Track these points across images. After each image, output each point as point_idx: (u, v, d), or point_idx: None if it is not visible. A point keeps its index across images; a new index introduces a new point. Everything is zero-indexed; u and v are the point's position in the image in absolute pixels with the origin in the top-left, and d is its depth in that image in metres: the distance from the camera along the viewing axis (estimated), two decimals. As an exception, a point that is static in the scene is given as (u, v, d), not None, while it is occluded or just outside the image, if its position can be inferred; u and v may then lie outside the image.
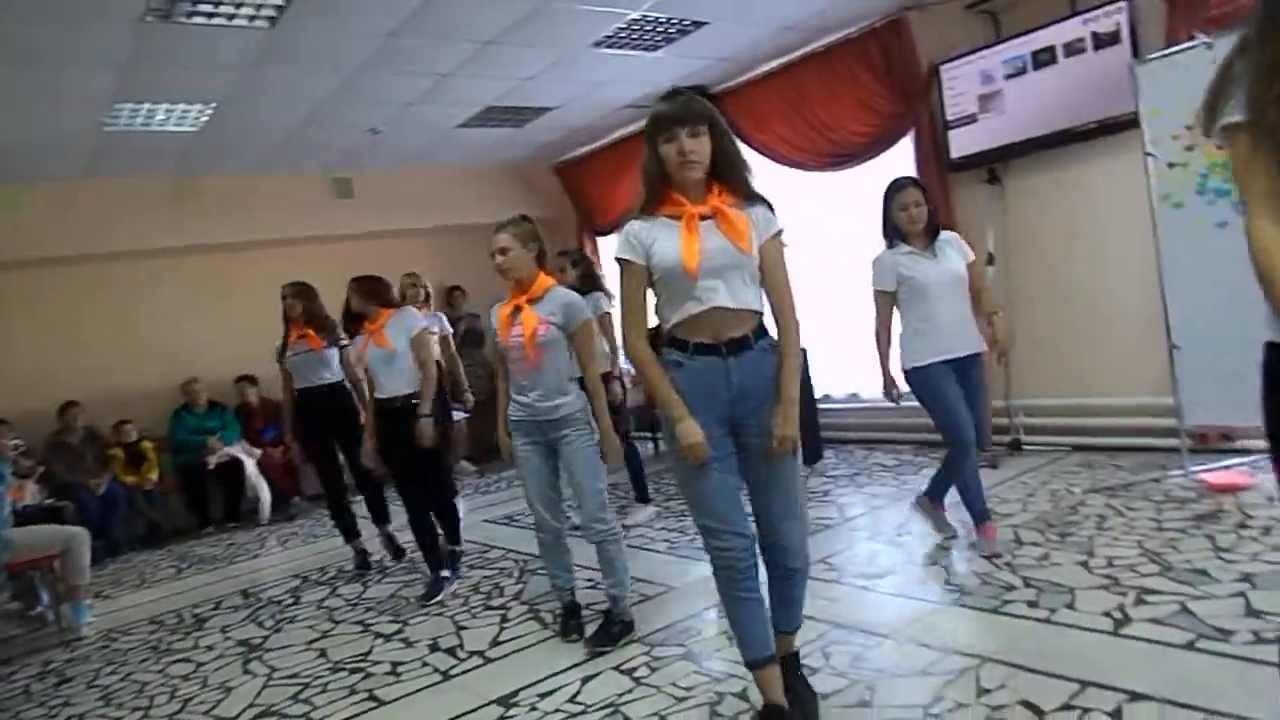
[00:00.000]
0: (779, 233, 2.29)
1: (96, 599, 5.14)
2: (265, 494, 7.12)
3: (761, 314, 2.30)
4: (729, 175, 2.29)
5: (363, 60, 5.21)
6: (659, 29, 5.44)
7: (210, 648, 4.05)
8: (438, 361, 5.53)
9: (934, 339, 3.59)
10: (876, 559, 3.83)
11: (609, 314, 5.14)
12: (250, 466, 7.16)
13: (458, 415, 5.97)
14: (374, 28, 4.76)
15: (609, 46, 5.61)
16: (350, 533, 4.98)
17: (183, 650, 4.08)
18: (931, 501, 3.92)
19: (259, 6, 4.27)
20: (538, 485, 3.35)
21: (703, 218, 2.25)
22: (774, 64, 6.50)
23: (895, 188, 3.64)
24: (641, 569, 4.15)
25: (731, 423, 2.30)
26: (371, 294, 4.28)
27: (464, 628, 3.74)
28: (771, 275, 2.29)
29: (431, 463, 4.27)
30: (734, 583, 2.32)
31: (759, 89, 6.64)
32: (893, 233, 3.65)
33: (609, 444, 3.28)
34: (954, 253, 3.63)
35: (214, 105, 5.66)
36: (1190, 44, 4.17)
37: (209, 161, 6.96)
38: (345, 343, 4.70)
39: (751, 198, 2.30)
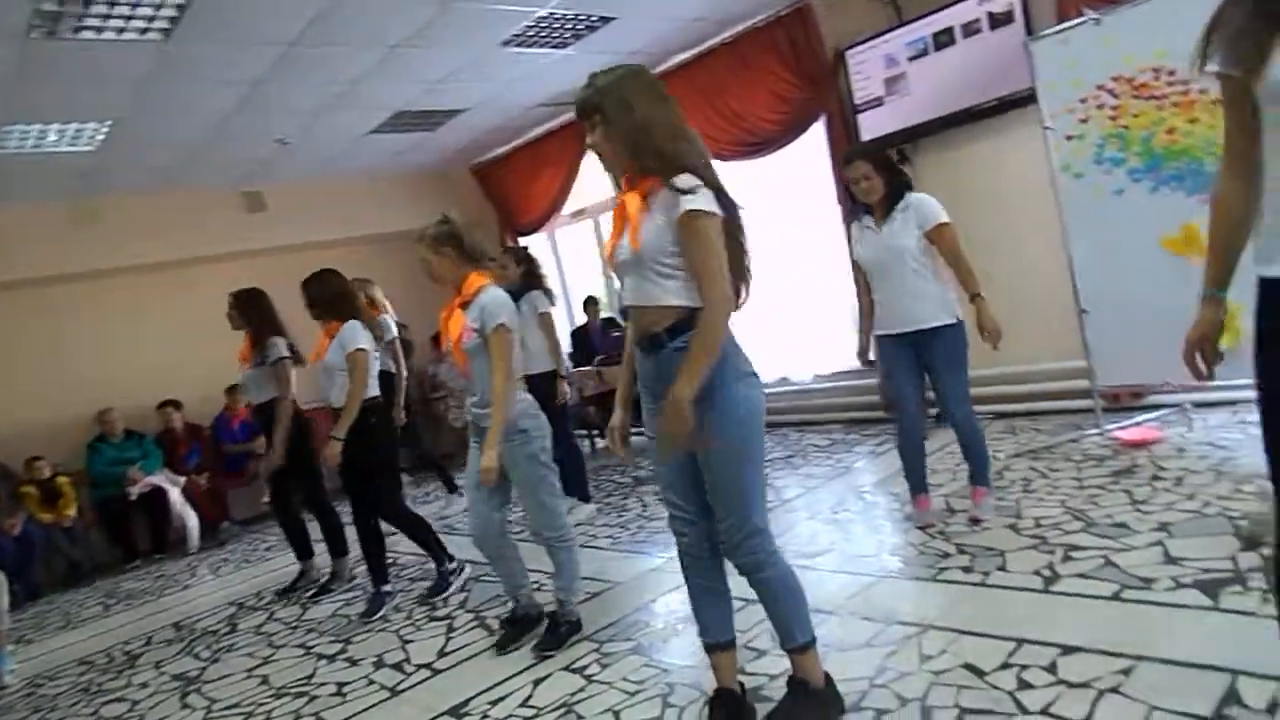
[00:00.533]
0: (689, 212, 2.03)
1: (18, 645, 4.91)
2: (192, 521, 6.90)
3: (678, 308, 2.12)
4: (639, 157, 2.11)
5: (264, 70, 5.07)
6: (567, 26, 5.42)
7: (145, 685, 3.91)
8: (386, 373, 5.43)
9: (883, 313, 3.62)
10: (816, 538, 3.89)
11: (549, 313, 5.12)
12: (175, 495, 6.92)
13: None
14: (273, 36, 4.63)
15: (517, 45, 5.57)
16: (333, 547, 4.85)
17: (115, 690, 3.93)
18: (975, 486, 3.74)
19: (150, 19, 4.12)
20: (473, 491, 3.28)
21: (622, 209, 2.20)
22: (685, 56, 6.55)
23: (845, 161, 3.61)
24: (586, 566, 4.14)
25: None
26: (313, 303, 4.18)
27: (409, 641, 3.69)
28: (685, 257, 2.09)
29: (366, 479, 4.16)
30: (686, 568, 2.37)
31: (672, 81, 6.64)
32: (857, 204, 3.64)
33: (486, 460, 3.03)
34: (906, 224, 3.48)
35: (110, 123, 5.44)
36: (1079, 19, 4.33)
37: (110, 181, 6.69)
38: (281, 355, 4.55)
39: (669, 172, 2.08)
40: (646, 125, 2.09)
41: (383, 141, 7.22)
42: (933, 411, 5.63)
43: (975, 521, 3.60)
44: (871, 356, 3.81)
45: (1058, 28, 4.48)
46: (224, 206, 7.66)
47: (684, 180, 2.05)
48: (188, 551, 6.80)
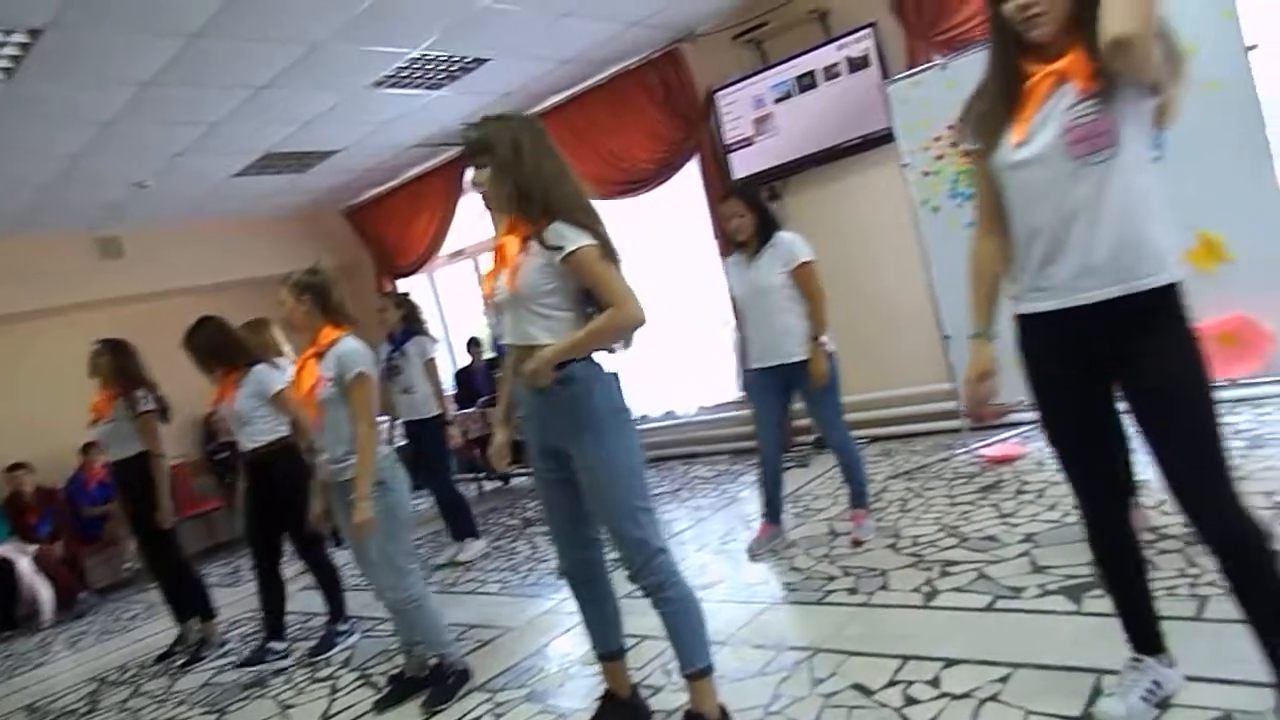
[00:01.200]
0: (570, 252, 2.12)
1: None
2: (45, 593, 6.36)
3: (548, 344, 2.19)
4: (523, 201, 2.18)
5: (118, 111, 4.83)
6: (440, 67, 5.40)
7: (-9, 778, 3.57)
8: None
9: (753, 347, 3.80)
10: (706, 569, 3.93)
11: (434, 359, 5.07)
12: (24, 565, 6.38)
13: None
14: (126, 76, 4.43)
15: (391, 86, 5.51)
16: (192, 611, 4.57)
17: (-43, 786, 3.57)
18: (855, 509, 3.87)
19: (-11, 57, 3.88)
20: (357, 552, 3.17)
21: (502, 250, 2.27)
22: (560, 97, 6.62)
23: (720, 200, 3.79)
24: (476, 613, 4.06)
25: (554, 447, 2.33)
26: (201, 358, 4.00)
27: (290, 706, 3.50)
28: (588, 286, 2.18)
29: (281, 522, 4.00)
30: (572, 589, 2.51)
31: (548, 121, 6.64)
32: (728, 239, 3.79)
33: (359, 514, 2.91)
34: (772, 262, 3.62)
35: (-57, 168, 5.07)
36: (928, 65, 4.63)
37: (-58, 230, 6.21)
38: (147, 408, 4.31)
39: (560, 212, 2.16)
40: (534, 172, 2.17)
41: (251, 184, 6.98)
42: (811, 438, 5.85)
43: (857, 543, 3.71)
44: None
45: (909, 72, 4.77)
46: (75, 254, 7.19)
47: (555, 233, 2.15)
48: (40, 626, 6.27)
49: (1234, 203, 3.52)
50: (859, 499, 3.85)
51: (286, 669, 3.94)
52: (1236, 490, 1.71)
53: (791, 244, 3.66)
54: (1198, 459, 1.71)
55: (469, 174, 2.26)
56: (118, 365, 4.37)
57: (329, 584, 4.12)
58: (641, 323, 2.17)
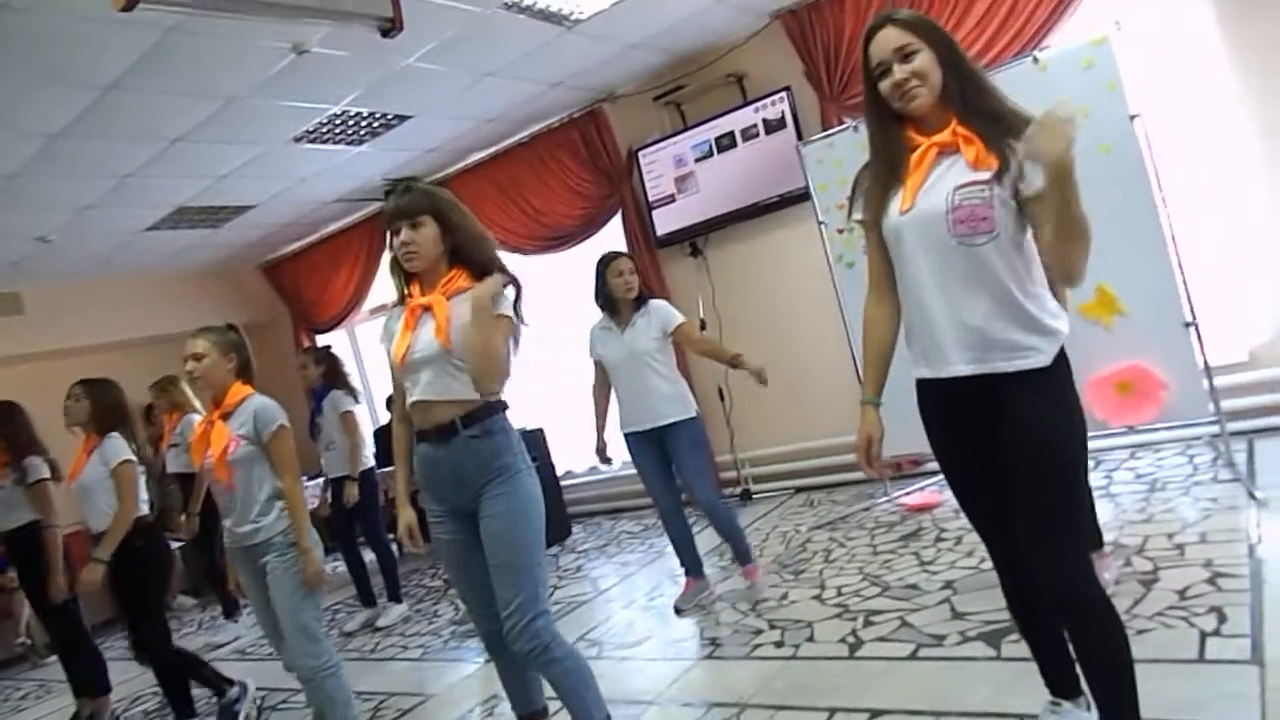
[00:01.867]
0: (489, 300, 2.24)
1: None
2: (-76, 675, 5.92)
3: (474, 400, 2.28)
4: (464, 255, 2.33)
5: (23, 163, 4.66)
6: (362, 123, 5.38)
7: None
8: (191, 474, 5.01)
9: (624, 412, 3.85)
10: (634, 626, 3.89)
11: (351, 412, 4.97)
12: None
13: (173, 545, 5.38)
14: (32, 128, 4.29)
15: (311, 141, 5.46)
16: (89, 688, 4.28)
17: None
18: (744, 565, 3.88)
19: (-119, 107, 3.72)
20: (264, 620, 3.05)
21: (425, 309, 2.31)
22: (484, 154, 6.66)
23: (609, 258, 3.84)
24: (396, 681, 3.93)
25: (461, 507, 2.34)
26: (95, 410, 3.80)
27: (197, 786, 3.31)
28: (473, 334, 2.22)
29: (131, 607, 3.76)
30: (490, 651, 2.51)
31: (471, 177, 6.74)
32: (605, 303, 3.82)
33: (307, 566, 2.86)
34: (647, 326, 3.74)
35: None
36: (840, 127, 4.82)
37: None
38: (40, 476, 4.08)
39: (486, 273, 2.31)
40: (472, 229, 2.35)
41: (163, 238, 6.78)
42: (737, 490, 5.89)
43: (761, 600, 3.73)
44: (610, 454, 3.99)
45: (823, 134, 4.96)
46: (-30, 311, 6.86)
47: (496, 282, 2.27)
48: (-82, 711, 5.81)
49: (1127, 258, 3.73)
50: (743, 555, 3.87)
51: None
52: (1085, 556, 1.81)
53: (664, 309, 3.82)
54: (1046, 520, 1.75)
55: (403, 233, 2.28)
56: (5, 432, 4.15)
57: (184, 679, 3.87)
58: (497, 373, 2.27)
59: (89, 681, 4.29)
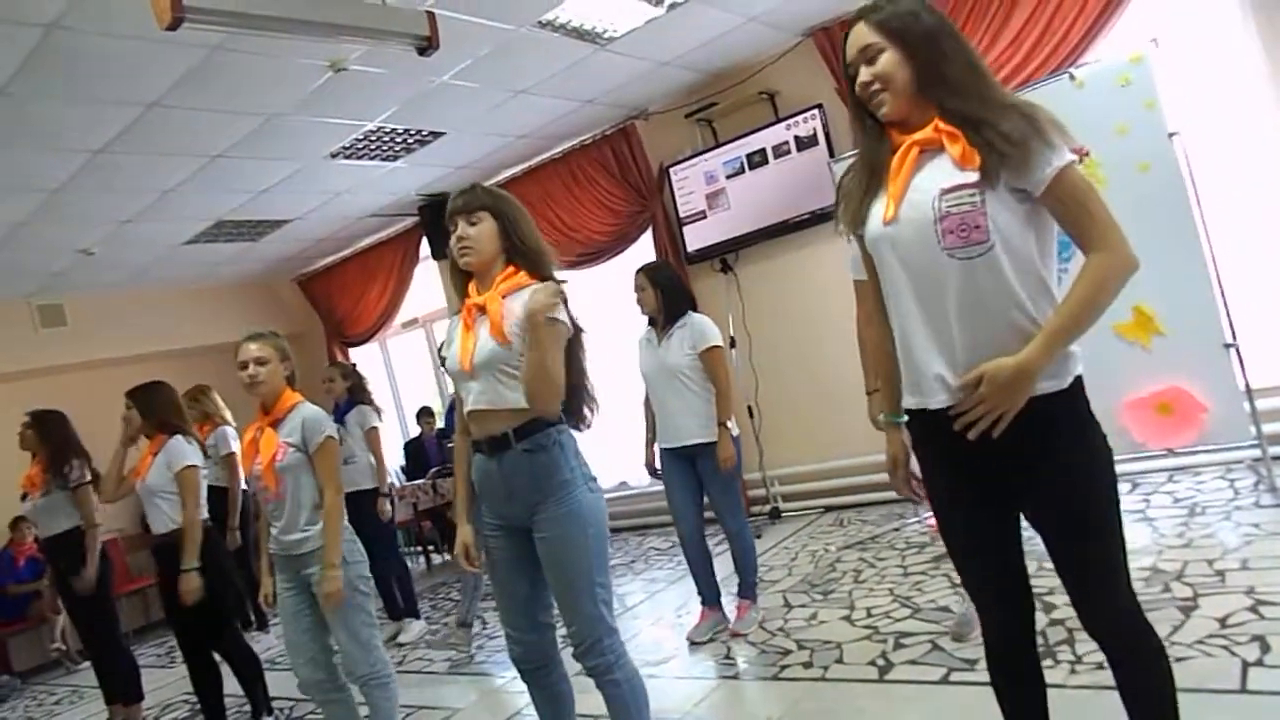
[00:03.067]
0: (545, 308, 2.14)
1: None
2: (-37, 679, 6.03)
3: (529, 410, 2.19)
4: (519, 255, 2.29)
5: (67, 178, 4.78)
6: (397, 140, 5.46)
7: None
8: (224, 488, 5.09)
9: (660, 428, 3.76)
10: (661, 644, 3.87)
11: (375, 429, 5.01)
12: (-59, 648, 6.05)
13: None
14: (78, 144, 4.40)
15: (347, 157, 5.55)
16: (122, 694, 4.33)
17: None
18: (741, 599, 3.83)
19: (-65, 123, 3.83)
20: (292, 632, 2.97)
21: (480, 309, 2.27)
22: (516, 169, 6.72)
23: (635, 273, 3.78)
24: (423, 695, 3.93)
25: (516, 522, 2.28)
26: (144, 412, 3.85)
27: (225, 795, 3.33)
28: (529, 350, 2.17)
29: (193, 611, 3.79)
30: (524, 677, 2.39)
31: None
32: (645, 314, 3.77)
33: (327, 583, 2.80)
34: (681, 342, 3.63)
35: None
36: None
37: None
38: (83, 480, 4.16)
39: (542, 277, 2.27)
40: (529, 230, 2.31)
41: (201, 251, 6.91)
42: (766, 508, 5.85)
43: (735, 635, 3.65)
44: (658, 468, 3.86)
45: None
46: (14, 321, 7.01)
47: (550, 292, 2.18)
48: (-45, 714, 5.92)
49: (1166, 277, 3.67)
50: (747, 589, 3.79)
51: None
52: (1130, 591, 1.59)
53: (703, 326, 3.67)
54: (1092, 564, 1.58)
55: (460, 228, 2.25)
56: (47, 437, 4.24)
57: (248, 678, 3.90)
58: (551, 408, 2.22)
59: (122, 688, 4.34)
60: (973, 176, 1.51)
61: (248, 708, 3.98)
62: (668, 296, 3.70)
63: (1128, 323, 3.88)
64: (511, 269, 2.28)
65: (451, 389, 2.42)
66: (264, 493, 2.96)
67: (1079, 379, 1.57)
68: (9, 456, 4.31)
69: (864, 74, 1.59)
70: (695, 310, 3.79)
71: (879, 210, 1.63)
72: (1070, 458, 1.55)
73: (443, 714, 3.63)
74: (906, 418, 1.74)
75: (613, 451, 6.61)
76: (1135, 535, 3.51)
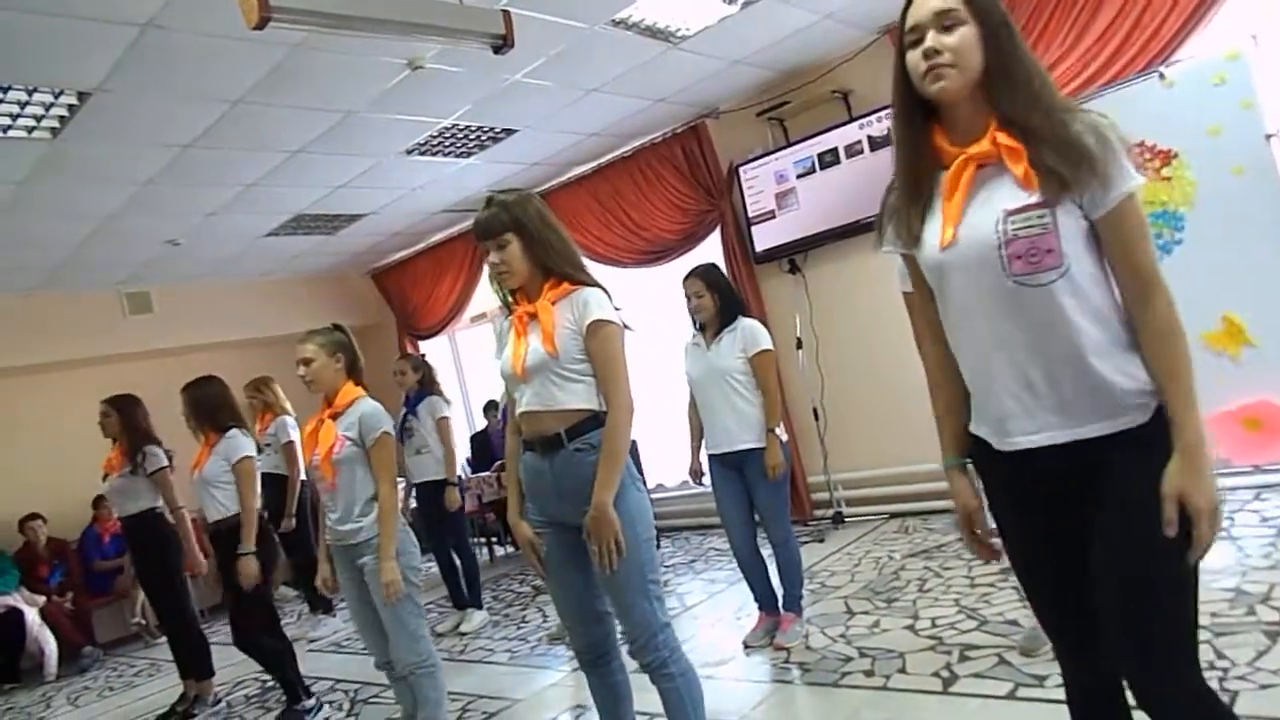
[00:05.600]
0: (597, 320, 2.21)
1: None
2: (50, 646, 6.32)
3: (581, 411, 2.23)
4: (554, 267, 2.28)
5: (157, 172, 4.97)
6: (470, 137, 5.54)
7: (-17, 837, 3.50)
8: (283, 475, 5.26)
9: (707, 433, 3.71)
10: (720, 645, 3.85)
11: (446, 418, 5.10)
12: (31, 617, 6.35)
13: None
14: (168, 139, 4.57)
15: (421, 154, 5.65)
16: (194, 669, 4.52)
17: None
18: (786, 611, 3.75)
19: (39, 117, 4.01)
20: (359, 618, 3.13)
21: (531, 317, 2.29)
22: (586, 167, 6.75)
23: (685, 278, 3.72)
24: (483, 684, 3.99)
25: (566, 520, 2.30)
26: (196, 411, 4.01)
27: (292, 773, 3.43)
28: (595, 366, 2.24)
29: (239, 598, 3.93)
30: (584, 669, 2.43)
31: (573, 190, 6.86)
32: (692, 319, 3.73)
33: (384, 573, 2.89)
34: (732, 345, 3.59)
35: (-18, 222, 5.20)
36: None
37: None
38: (160, 464, 4.33)
39: (581, 283, 2.28)
40: (554, 241, 2.29)
41: (280, 244, 7.12)
42: (830, 512, 5.77)
43: (778, 649, 3.58)
44: (704, 474, 3.82)
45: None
46: (104, 308, 7.33)
47: (592, 300, 2.23)
48: (44, 679, 6.21)
49: (1258, 286, 3.51)
50: (792, 602, 3.71)
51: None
52: (1198, 669, 1.41)
53: (754, 330, 3.63)
54: (1152, 617, 1.39)
55: (492, 255, 2.28)
56: (124, 423, 4.40)
57: (275, 670, 4.04)
58: (633, 414, 2.24)
59: (195, 664, 4.51)
60: (1038, 196, 1.38)
61: (318, 686, 4.08)
62: (724, 300, 3.65)
63: (1217, 332, 3.72)
64: (553, 281, 2.29)
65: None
66: (321, 482, 3.09)
67: (1160, 410, 1.41)
68: (97, 436, 4.49)
69: (933, 40, 1.41)
70: (746, 314, 3.74)
71: (933, 233, 1.49)
72: (1147, 487, 1.36)
73: (503, 704, 3.67)
74: (969, 462, 1.63)
75: (676, 450, 6.61)
76: (1219, 555, 3.37)
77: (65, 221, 5.53)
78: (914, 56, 1.44)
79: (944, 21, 1.41)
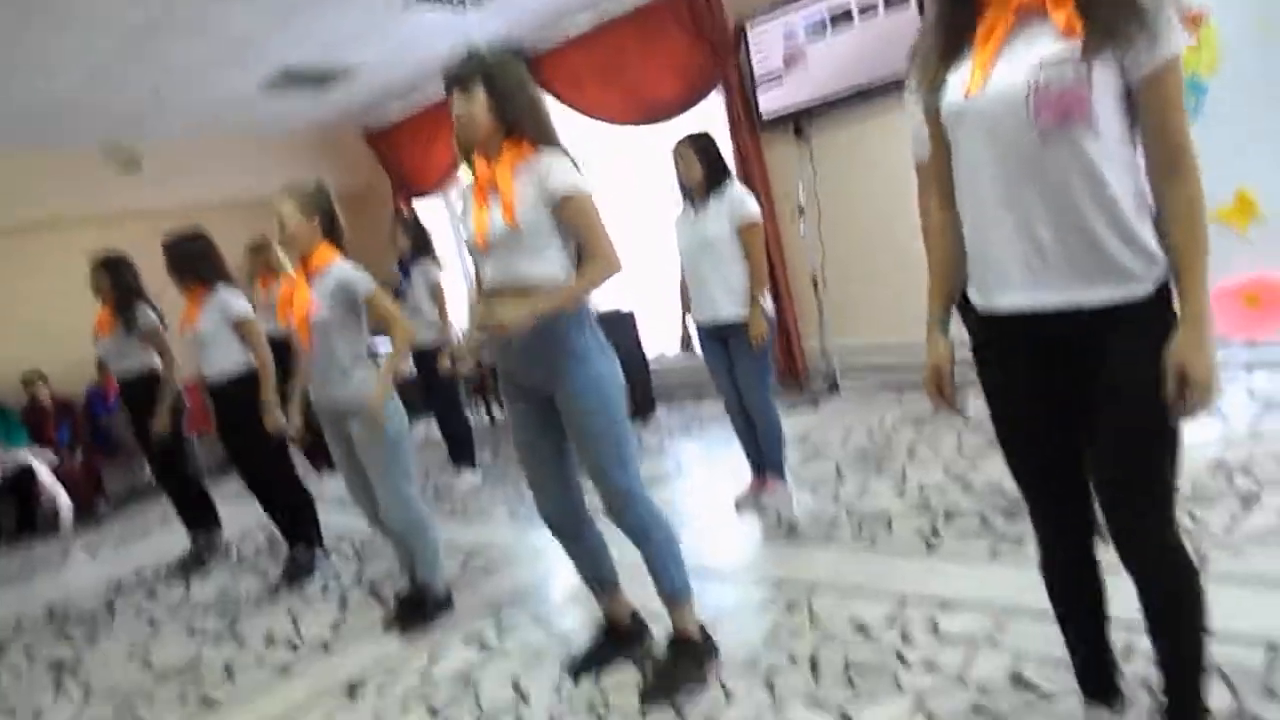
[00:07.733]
0: (565, 195, 2.16)
1: None
2: (64, 501, 6.51)
3: (542, 282, 2.20)
4: (519, 126, 2.21)
5: (146, 20, 4.75)
6: (467, -15, 5.28)
7: (15, 671, 3.70)
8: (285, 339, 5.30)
9: (694, 301, 3.69)
10: (712, 505, 3.97)
11: (439, 282, 5.07)
12: (44, 473, 6.52)
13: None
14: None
15: (420, 2, 5.40)
16: (201, 522, 4.69)
17: (-20, 678, 3.71)
18: (769, 476, 3.80)
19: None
20: (351, 483, 3.22)
21: (492, 185, 2.23)
22: (587, 26, 6.47)
23: (675, 146, 3.60)
24: (482, 536, 4.13)
25: (534, 390, 2.32)
26: (177, 265, 3.97)
27: (300, 618, 3.60)
28: (574, 231, 2.22)
29: (250, 451, 4.03)
30: (555, 537, 2.51)
31: (574, 51, 6.58)
32: (680, 188, 3.64)
33: (374, 405, 2.94)
34: (719, 211, 3.51)
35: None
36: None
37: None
38: (153, 323, 4.34)
39: (547, 146, 2.21)
40: (533, 102, 2.23)
41: (271, 101, 6.90)
42: (824, 380, 5.84)
43: (778, 514, 3.63)
44: (695, 343, 3.84)
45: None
46: (93, 167, 7.16)
47: (557, 170, 2.16)
48: (60, 532, 6.43)
49: (1274, 157, 3.42)
50: (773, 467, 3.74)
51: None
52: (1173, 518, 1.50)
53: (742, 197, 3.54)
54: (1137, 487, 1.46)
55: (456, 104, 2.19)
56: (114, 282, 4.35)
57: (285, 522, 4.16)
58: (615, 273, 2.21)
59: (200, 515, 4.65)
60: (1078, 45, 1.31)
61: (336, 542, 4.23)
62: (711, 167, 3.55)
63: (1229, 207, 3.65)
64: (512, 140, 2.22)
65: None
66: (299, 346, 3.08)
67: (1166, 286, 1.41)
68: (91, 298, 4.46)
69: None
70: (733, 180, 3.63)
71: (960, 80, 1.43)
72: (1146, 363, 1.38)
73: (500, 555, 3.81)
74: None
75: (675, 316, 6.62)
76: (1205, 428, 3.43)
77: (55, 73, 5.34)
78: None
79: None
